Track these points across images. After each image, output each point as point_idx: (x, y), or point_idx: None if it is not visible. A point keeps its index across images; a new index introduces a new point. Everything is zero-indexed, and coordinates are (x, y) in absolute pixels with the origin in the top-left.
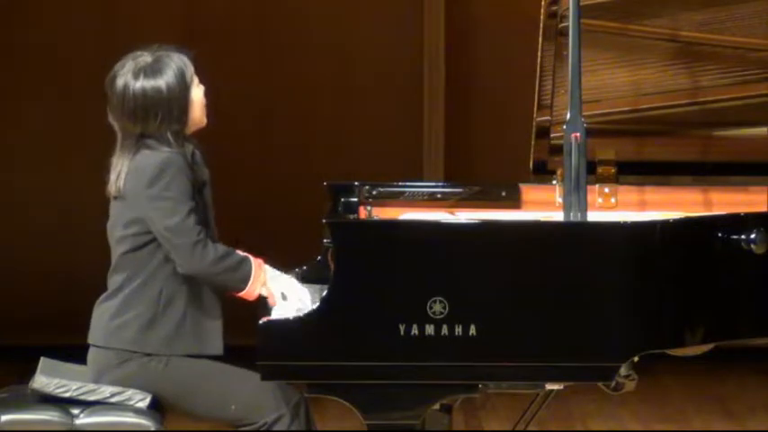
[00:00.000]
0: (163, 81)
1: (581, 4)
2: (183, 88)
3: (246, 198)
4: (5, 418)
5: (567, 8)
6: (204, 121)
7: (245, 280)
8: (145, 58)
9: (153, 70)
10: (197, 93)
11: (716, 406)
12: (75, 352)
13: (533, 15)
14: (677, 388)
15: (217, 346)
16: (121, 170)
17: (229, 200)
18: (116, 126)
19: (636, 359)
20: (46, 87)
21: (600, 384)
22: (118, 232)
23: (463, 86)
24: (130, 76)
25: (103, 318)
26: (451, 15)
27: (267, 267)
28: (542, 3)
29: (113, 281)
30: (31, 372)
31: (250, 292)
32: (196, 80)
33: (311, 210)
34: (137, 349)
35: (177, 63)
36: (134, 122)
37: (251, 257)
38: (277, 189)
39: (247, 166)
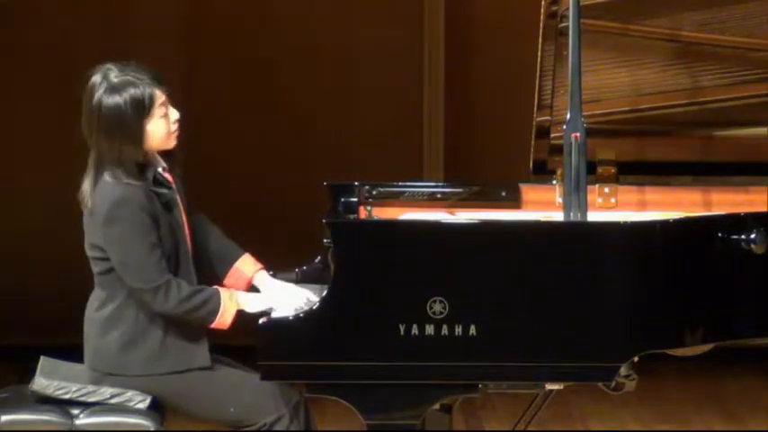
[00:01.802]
0: (121, 102)
1: (581, 4)
2: (137, 117)
3: (247, 198)
4: (5, 418)
5: (567, 8)
6: (169, 145)
7: (211, 314)
8: (112, 74)
9: (114, 89)
10: (157, 123)
11: (716, 406)
12: (75, 352)
13: (533, 15)
14: (677, 388)
15: (203, 360)
16: (88, 188)
17: (229, 200)
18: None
19: (636, 359)
20: (46, 87)
21: (600, 384)
22: (87, 251)
23: (463, 86)
24: (98, 90)
25: (92, 331)
26: (451, 15)
27: (245, 295)
28: (542, 3)
29: (97, 294)
30: (31, 372)
31: (219, 324)
32: (163, 111)
33: (311, 210)
34: (118, 372)
35: (140, 90)
36: (89, 137)
37: (220, 291)
38: (277, 189)
39: (247, 166)
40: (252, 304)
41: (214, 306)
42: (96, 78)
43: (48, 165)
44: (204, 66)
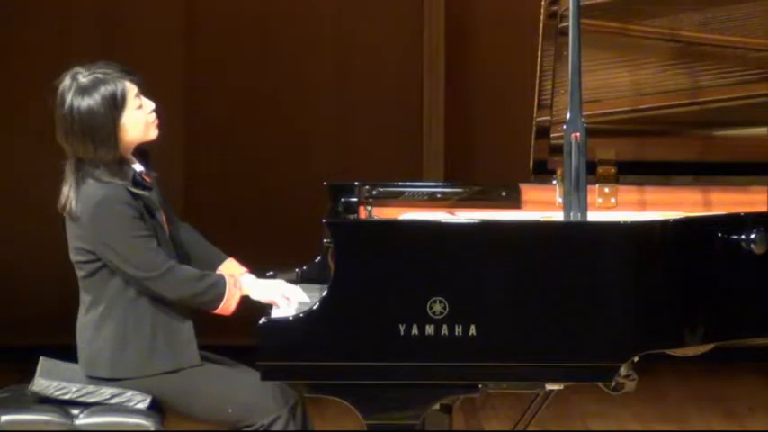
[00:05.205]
0: (92, 102)
1: (581, 4)
2: (110, 115)
3: (246, 198)
4: (5, 418)
5: (567, 8)
6: (150, 136)
7: (217, 299)
8: (81, 76)
9: (84, 91)
10: (134, 115)
11: (716, 406)
12: (74, 352)
13: (533, 15)
14: (677, 388)
15: (193, 359)
16: (70, 194)
17: (229, 200)
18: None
19: (636, 359)
20: (44, 88)
21: (600, 384)
22: (71, 255)
23: (463, 86)
24: (68, 94)
25: (82, 336)
26: (451, 15)
27: (250, 279)
28: (542, 3)
29: (83, 299)
30: (31, 371)
31: (223, 309)
32: (137, 102)
33: (311, 210)
34: (113, 377)
35: (111, 86)
36: (64, 142)
37: (225, 276)
38: (277, 189)
39: (247, 166)
40: (255, 290)
41: (220, 291)
42: (66, 82)
43: (48, 165)
44: (203, 66)
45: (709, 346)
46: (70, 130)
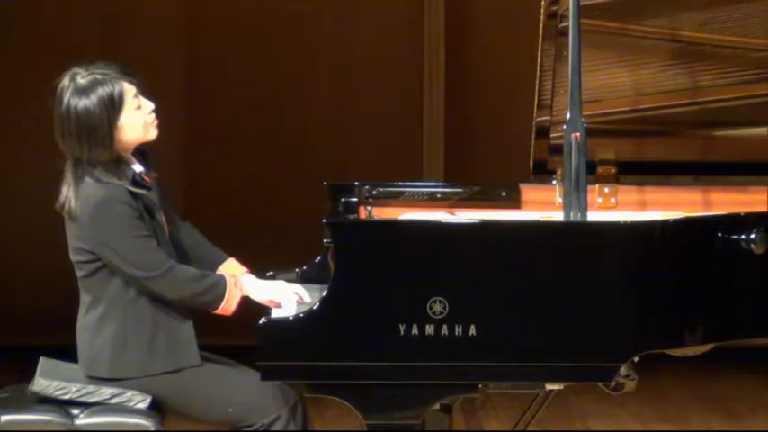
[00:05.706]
0: (89, 103)
1: (581, 4)
2: (107, 117)
3: (246, 198)
4: (5, 418)
5: (567, 8)
6: (150, 136)
7: (217, 299)
8: (79, 76)
9: (81, 91)
10: (133, 116)
11: (716, 406)
12: (74, 352)
13: (533, 15)
14: (677, 388)
15: (193, 359)
16: (69, 194)
17: (229, 200)
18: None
19: (636, 359)
20: (46, 87)
21: (600, 384)
22: (71, 255)
23: (463, 86)
24: (66, 94)
25: (82, 337)
26: (451, 15)
27: (251, 279)
28: (542, 3)
29: (83, 299)
30: (31, 371)
31: (224, 309)
32: (136, 103)
33: (311, 210)
34: (113, 377)
35: (109, 87)
36: (63, 143)
37: (226, 276)
38: (277, 189)
39: (247, 166)
40: (255, 290)
41: (220, 291)
42: (64, 82)
43: (48, 164)
44: (204, 66)
45: (709, 346)
46: (66, 129)
